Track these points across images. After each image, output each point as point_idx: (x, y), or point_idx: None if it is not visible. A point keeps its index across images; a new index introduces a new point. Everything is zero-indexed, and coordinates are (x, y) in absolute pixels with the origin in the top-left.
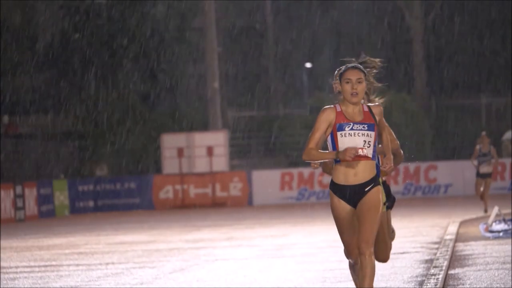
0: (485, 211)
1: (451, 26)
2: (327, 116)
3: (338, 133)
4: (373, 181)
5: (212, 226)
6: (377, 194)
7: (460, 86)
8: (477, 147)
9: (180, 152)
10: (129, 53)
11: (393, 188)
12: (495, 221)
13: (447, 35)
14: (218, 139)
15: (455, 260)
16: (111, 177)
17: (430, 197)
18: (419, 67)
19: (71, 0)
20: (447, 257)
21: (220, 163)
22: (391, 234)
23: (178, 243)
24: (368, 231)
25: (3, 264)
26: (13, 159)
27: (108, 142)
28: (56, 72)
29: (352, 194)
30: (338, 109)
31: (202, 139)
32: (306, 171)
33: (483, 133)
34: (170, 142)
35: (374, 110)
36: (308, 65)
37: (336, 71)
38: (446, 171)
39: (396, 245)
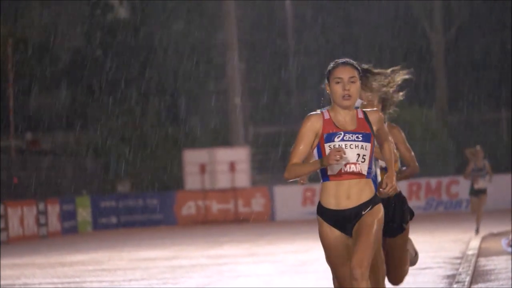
0: (477, 231)
1: (472, 39)
2: (312, 125)
3: (326, 145)
4: (372, 202)
5: (235, 242)
6: (376, 212)
7: (481, 100)
8: (471, 162)
9: (202, 168)
10: (151, 69)
11: (415, 203)
12: None
13: (468, 49)
14: (240, 154)
15: (477, 275)
16: (134, 193)
17: (452, 212)
18: (440, 81)
19: (93, 16)
20: (469, 272)
21: (242, 178)
22: (412, 258)
23: (201, 259)
24: (362, 251)
25: (26, 281)
26: (36, 175)
27: (130, 158)
28: (78, 89)
29: (347, 220)
30: (326, 116)
31: (224, 155)
32: None
33: (478, 147)
34: (192, 158)
35: (371, 117)
36: None
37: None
38: (467, 186)
39: (418, 260)
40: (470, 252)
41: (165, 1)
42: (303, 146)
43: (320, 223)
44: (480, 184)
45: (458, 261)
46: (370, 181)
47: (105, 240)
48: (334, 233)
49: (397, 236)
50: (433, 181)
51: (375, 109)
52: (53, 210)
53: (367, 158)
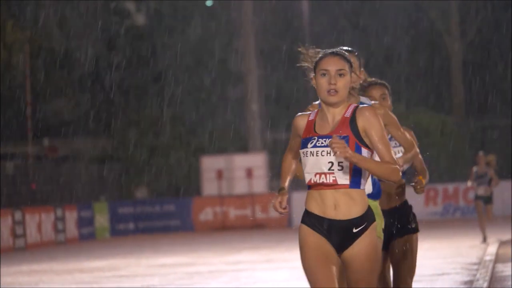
0: (484, 239)
1: (490, 45)
2: (295, 129)
3: (301, 151)
4: (365, 219)
5: (252, 248)
6: (371, 242)
7: (499, 106)
8: (474, 168)
9: (219, 174)
10: (168, 75)
11: (432, 208)
12: None
13: (485, 54)
14: (257, 160)
15: (495, 281)
16: (151, 199)
17: (469, 218)
18: (458, 87)
19: (109, 22)
20: (487, 278)
21: (260, 184)
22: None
23: (219, 265)
24: None
25: (44, 287)
26: (54, 182)
27: (147, 165)
28: (96, 94)
29: (334, 231)
30: (311, 116)
31: (242, 161)
32: None
33: (480, 153)
34: (210, 164)
35: (359, 113)
36: None
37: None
38: None
39: (436, 266)
40: (487, 258)
41: (183, 8)
42: (293, 144)
43: (300, 227)
44: (481, 191)
45: (476, 267)
46: (362, 192)
47: (122, 246)
48: (315, 237)
49: (404, 236)
50: (450, 187)
51: (372, 102)
52: (71, 216)
53: (345, 164)
